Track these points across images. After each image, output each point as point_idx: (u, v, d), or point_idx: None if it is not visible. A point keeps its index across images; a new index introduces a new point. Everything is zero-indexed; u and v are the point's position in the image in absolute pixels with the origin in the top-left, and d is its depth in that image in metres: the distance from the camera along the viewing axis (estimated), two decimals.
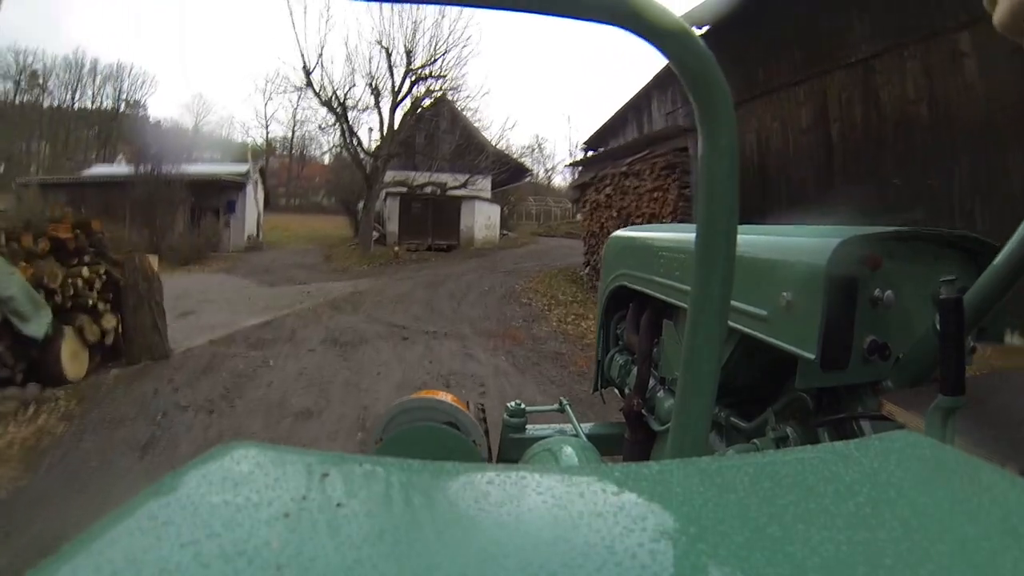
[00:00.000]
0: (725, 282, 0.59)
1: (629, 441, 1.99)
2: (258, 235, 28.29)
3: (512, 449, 2.10)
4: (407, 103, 24.14)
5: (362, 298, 12.52)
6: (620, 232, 2.26)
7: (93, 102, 50.41)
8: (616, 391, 2.35)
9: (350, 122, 23.25)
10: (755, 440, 1.37)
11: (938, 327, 0.92)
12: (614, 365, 2.27)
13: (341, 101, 22.85)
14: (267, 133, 58.15)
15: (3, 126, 40.23)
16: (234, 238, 25.33)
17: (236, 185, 25.99)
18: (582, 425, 2.21)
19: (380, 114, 23.92)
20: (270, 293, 13.60)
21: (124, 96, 53.28)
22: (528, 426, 2.23)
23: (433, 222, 25.38)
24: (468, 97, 28.34)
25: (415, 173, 24.71)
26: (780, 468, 0.45)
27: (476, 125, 27.45)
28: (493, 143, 26.92)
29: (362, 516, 0.37)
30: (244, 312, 10.64)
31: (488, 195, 27.34)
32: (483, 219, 27.14)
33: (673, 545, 0.35)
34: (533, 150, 54.46)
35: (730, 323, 1.03)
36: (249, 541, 0.33)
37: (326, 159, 55.32)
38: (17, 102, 49.59)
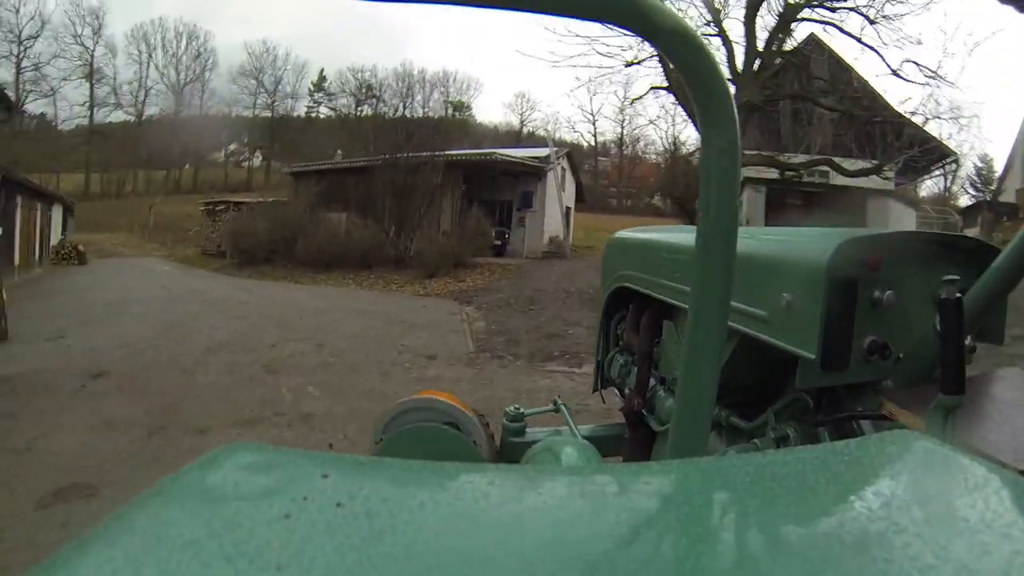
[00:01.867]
0: (725, 282, 0.59)
1: (629, 441, 2.00)
2: (566, 237, 22.59)
3: (512, 453, 2.10)
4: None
5: None
6: (621, 233, 2.26)
7: (423, 109, 52.31)
8: (616, 391, 2.35)
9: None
10: (755, 440, 1.37)
11: (938, 327, 0.92)
12: (614, 365, 2.27)
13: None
14: (595, 128, 56.71)
15: (344, 134, 41.67)
16: (531, 240, 20.62)
17: (533, 173, 20.65)
18: (581, 427, 2.22)
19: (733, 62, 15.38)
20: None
21: (450, 99, 56.04)
22: (528, 429, 2.24)
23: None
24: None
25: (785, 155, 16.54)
26: (780, 468, 0.45)
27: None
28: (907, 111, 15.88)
29: (362, 516, 0.36)
30: None
31: (891, 188, 17.66)
32: (898, 226, 15.60)
33: (673, 545, 0.35)
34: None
35: (730, 323, 1.00)
36: (250, 541, 0.33)
37: (655, 155, 49.93)
38: (359, 114, 54.55)
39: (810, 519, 0.38)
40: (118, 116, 67.82)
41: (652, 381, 1.93)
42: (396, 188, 18.70)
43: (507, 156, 20.16)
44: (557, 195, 21.74)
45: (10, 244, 17.47)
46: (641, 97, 21.69)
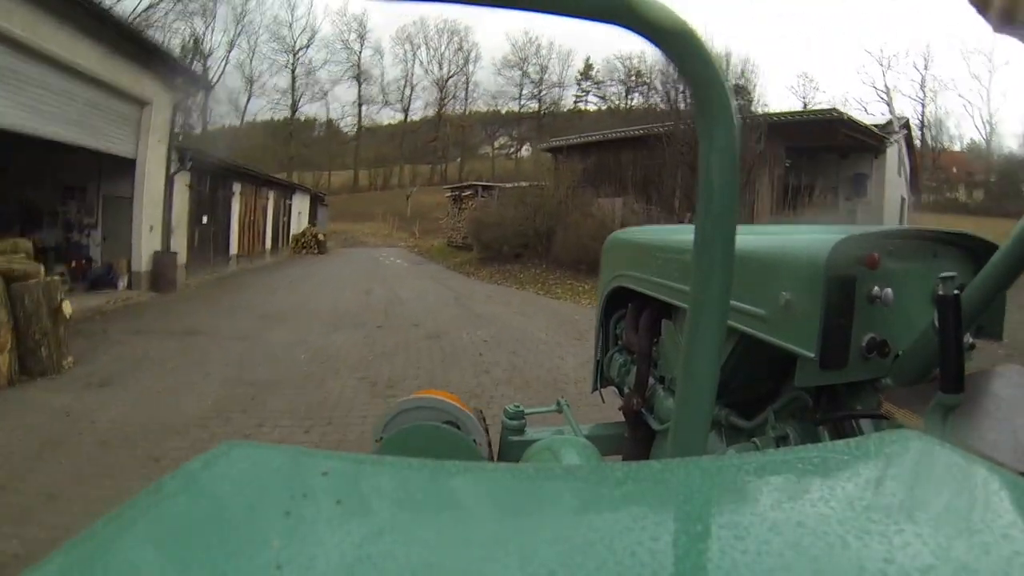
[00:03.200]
0: (725, 282, 0.59)
1: (629, 440, 2.03)
2: None
3: (512, 451, 2.10)
4: None
5: None
6: (619, 232, 2.27)
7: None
8: (615, 390, 2.35)
9: None
10: (755, 439, 1.38)
11: (937, 324, 0.92)
12: (613, 364, 2.27)
13: None
14: (891, 109, 51.41)
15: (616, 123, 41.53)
16: None
17: (866, 149, 14.80)
18: (581, 426, 2.21)
19: None
20: None
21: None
22: (527, 428, 2.22)
23: None
24: None
25: None
26: (780, 467, 0.46)
27: None
28: None
29: (362, 514, 0.37)
30: None
31: None
32: None
33: (673, 545, 0.35)
34: None
35: (729, 322, 0.98)
36: (250, 539, 0.33)
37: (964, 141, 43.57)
38: (629, 103, 57.52)
39: (810, 518, 0.38)
40: (387, 113, 73.11)
41: (651, 380, 1.94)
42: (693, 160, 13.70)
43: (851, 118, 14.16)
44: (901, 179, 16.51)
45: (223, 233, 17.85)
46: None
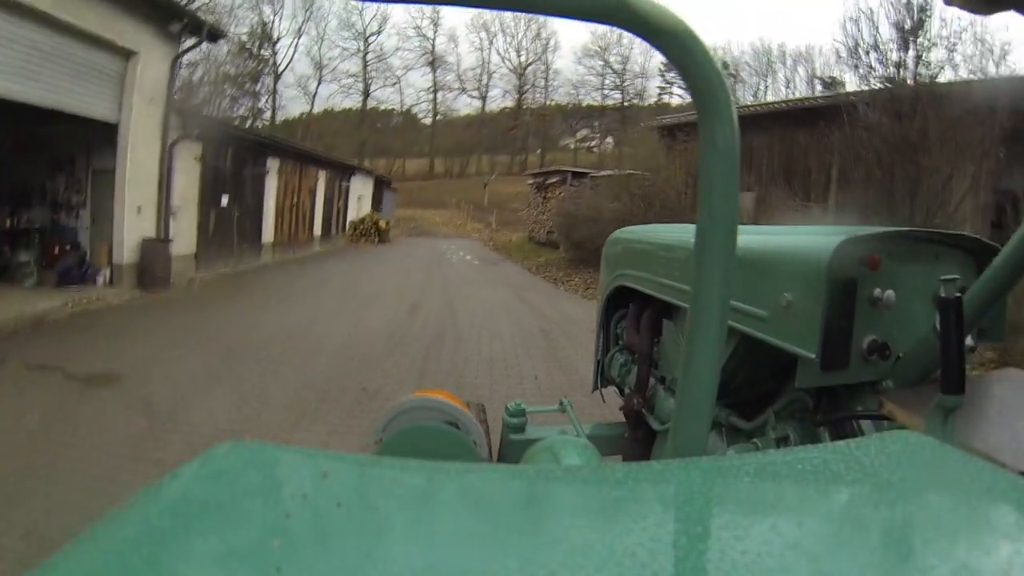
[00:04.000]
0: (725, 282, 0.59)
1: (629, 440, 2.02)
2: None
3: (512, 449, 2.08)
4: None
5: None
6: (620, 232, 2.26)
7: (786, 88, 49.78)
8: (616, 390, 2.35)
9: None
10: (755, 440, 1.38)
11: (938, 326, 0.92)
12: (614, 364, 2.27)
13: None
14: None
15: None
16: None
17: None
18: (583, 426, 2.19)
19: None
20: None
21: (819, 75, 49.86)
22: (528, 427, 2.21)
23: None
24: None
25: None
26: (780, 468, 0.46)
27: None
28: None
29: (362, 515, 0.37)
30: None
31: None
32: None
33: (673, 545, 0.35)
34: None
35: (730, 323, 1.03)
36: (249, 540, 0.33)
37: None
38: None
39: (810, 519, 0.38)
40: (464, 101, 71.43)
41: (652, 380, 1.94)
42: (888, 144, 8.85)
43: None
44: None
45: (253, 218, 14.93)
46: None
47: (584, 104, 66.33)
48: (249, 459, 0.42)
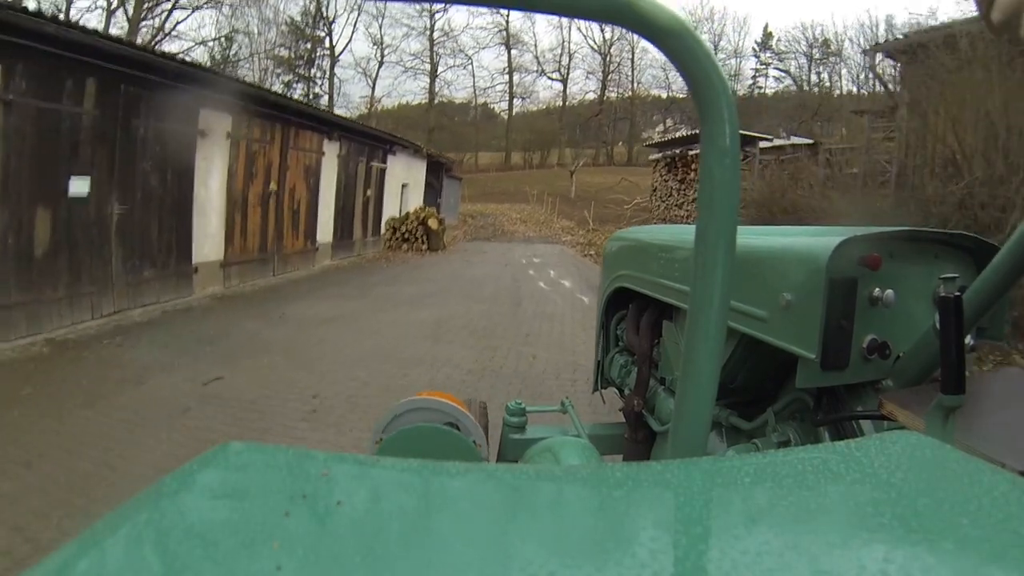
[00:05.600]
0: (725, 282, 0.59)
1: (629, 441, 2.01)
2: None
3: (512, 449, 2.09)
4: None
5: None
6: (620, 233, 2.26)
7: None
8: (616, 391, 2.35)
9: None
10: (755, 440, 1.38)
11: (938, 326, 0.92)
12: (614, 365, 2.27)
13: None
14: None
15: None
16: None
17: None
18: (584, 425, 2.20)
19: None
20: None
21: None
22: (528, 427, 2.21)
23: None
24: None
25: None
26: (780, 468, 0.46)
27: None
28: None
29: (362, 515, 0.37)
30: None
31: None
32: None
33: (673, 545, 0.35)
34: None
35: (730, 323, 1.03)
36: (249, 540, 0.33)
37: None
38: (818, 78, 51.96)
39: (810, 519, 0.38)
40: (543, 83, 66.30)
41: (652, 381, 1.94)
42: None
43: None
44: None
45: (171, 217, 8.40)
46: None
47: (667, 96, 61.23)
48: (249, 459, 0.42)
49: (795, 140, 16.71)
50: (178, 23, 38.17)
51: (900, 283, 1.17)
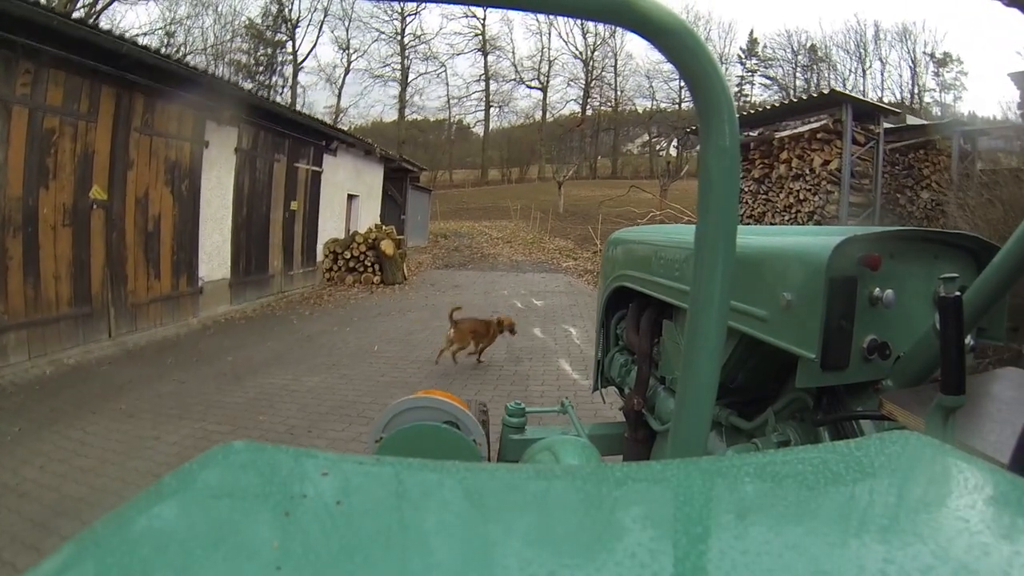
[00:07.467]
0: (725, 282, 0.60)
1: (629, 440, 2.02)
2: None
3: (512, 449, 2.10)
4: None
5: None
6: (620, 232, 2.27)
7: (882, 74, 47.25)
8: (616, 391, 2.35)
9: None
10: (755, 440, 1.38)
11: (938, 326, 0.93)
12: (614, 365, 2.28)
13: None
14: None
15: None
16: None
17: None
18: (584, 425, 2.21)
19: None
20: None
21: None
22: (528, 427, 2.22)
23: None
24: None
25: None
26: (780, 468, 0.46)
27: None
28: None
29: (362, 515, 0.37)
30: None
31: None
32: None
33: (673, 545, 0.35)
34: None
35: (730, 323, 1.04)
36: (249, 540, 0.33)
37: None
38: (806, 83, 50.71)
39: (810, 519, 0.38)
40: (521, 92, 64.16)
41: (652, 381, 1.94)
42: None
43: None
44: None
45: None
46: None
47: (652, 108, 60.16)
48: (249, 459, 0.42)
49: (912, 121, 13.02)
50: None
51: (900, 283, 1.18)
